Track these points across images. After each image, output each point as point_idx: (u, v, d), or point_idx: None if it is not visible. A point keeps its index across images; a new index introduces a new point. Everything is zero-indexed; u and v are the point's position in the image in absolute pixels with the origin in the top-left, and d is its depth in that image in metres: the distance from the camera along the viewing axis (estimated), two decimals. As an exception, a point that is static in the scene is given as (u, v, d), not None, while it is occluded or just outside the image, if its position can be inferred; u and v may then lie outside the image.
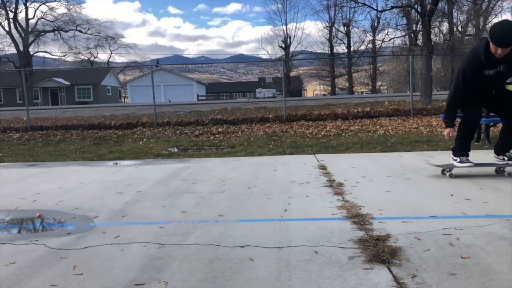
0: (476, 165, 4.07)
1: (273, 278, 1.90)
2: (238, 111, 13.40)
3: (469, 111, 3.91)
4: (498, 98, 3.91)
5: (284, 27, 79.85)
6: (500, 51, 3.45)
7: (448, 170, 4.01)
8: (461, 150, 4.03)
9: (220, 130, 9.51)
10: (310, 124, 9.90)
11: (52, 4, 37.65)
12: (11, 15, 35.06)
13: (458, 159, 4.01)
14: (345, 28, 44.89)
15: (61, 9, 59.97)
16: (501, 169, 3.98)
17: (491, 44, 3.47)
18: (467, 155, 4.02)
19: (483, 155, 5.11)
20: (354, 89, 47.81)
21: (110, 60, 54.53)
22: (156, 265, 2.09)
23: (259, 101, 21.93)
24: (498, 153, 4.04)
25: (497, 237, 2.30)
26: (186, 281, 1.90)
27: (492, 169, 4.12)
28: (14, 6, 35.09)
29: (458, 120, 4.05)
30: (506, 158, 3.98)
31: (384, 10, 17.09)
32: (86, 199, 3.54)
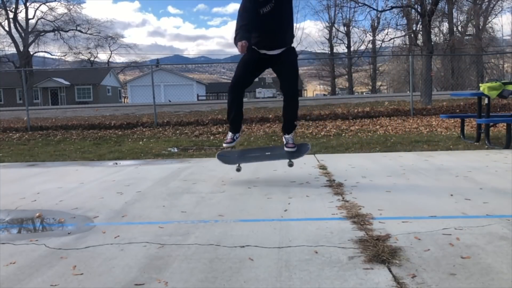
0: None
1: (273, 278, 1.90)
2: (238, 111, 13.36)
3: (237, 72, 3.86)
4: (283, 63, 3.80)
5: (284, 27, 79.55)
6: None
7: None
8: (230, 122, 3.99)
9: (220, 130, 9.51)
10: (310, 124, 9.90)
11: (52, 4, 37.67)
12: (11, 15, 35.07)
13: (229, 137, 3.96)
14: (345, 28, 44.94)
15: (61, 9, 60.02)
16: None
17: None
18: (234, 132, 3.96)
19: (483, 155, 5.11)
20: (354, 89, 47.83)
21: (110, 60, 54.57)
22: (156, 265, 2.09)
23: (259, 101, 21.92)
24: (285, 132, 4.04)
25: (497, 237, 2.30)
26: (186, 281, 1.90)
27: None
28: (14, 6, 35.10)
29: None
30: (284, 141, 3.99)
31: (384, 10, 17.13)
32: (86, 199, 3.54)
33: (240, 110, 3.95)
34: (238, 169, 4.04)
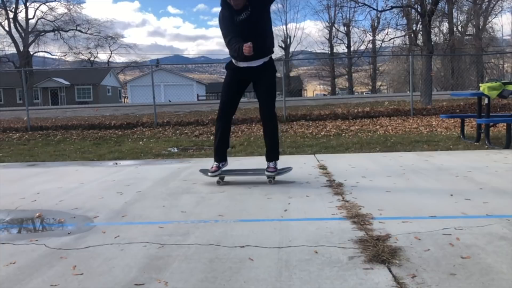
0: (244, 171, 4.15)
1: (273, 278, 1.90)
2: (238, 111, 13.37)
3: (222, 99, 3.91)
4: (261, 80, 3.81)
5: (284, 27, 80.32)
6: (232, 2, 3.53)
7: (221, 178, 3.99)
8: (215, 150, 3.98)
9: (220, 130, 9.51)
10: (310, 124, 9.90)
11: (52, 4, 37.73)
12: (11, 15, 35.10)
13: (214, 165, 3.94)
14: (345, 28, 45.03)
15: (61, 9, 60.08)
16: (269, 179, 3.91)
17: None
18: (219, 160, 3.93)
19: (483, 155, 5.11)
20: (354, 89, 47.83)
21: (110, 60, 54.55)
22: (156, 265, 2.09)
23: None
24: (267, 159, 3.99)
25: (497, 237, 2.30)
26: (186, 281, 1.90)
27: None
28: (14, 6, 35.12)
29: None
30: (266, 165, 3.93)
31: (384, 10, 17.12)
32: (86, 199, 3.54)
33: (226, 138, 3.97)
34: (218, 182, 3.96)
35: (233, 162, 5.28)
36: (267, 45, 3.77)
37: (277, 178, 4.10)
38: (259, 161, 5.32)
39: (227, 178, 4.10)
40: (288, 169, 4.04)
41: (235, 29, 3.65)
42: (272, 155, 3.93)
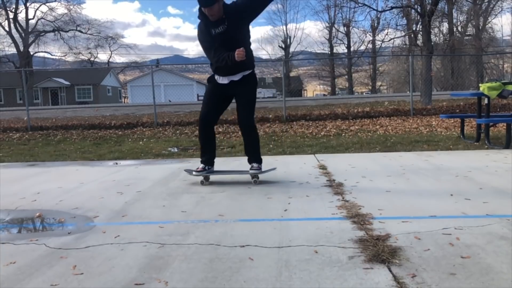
0: (229, 172, 4.24)
1: (273, 277, 1.90)
2: (238, 111, 13.36)
3: (202, 110, 3.94)
4: (241, 92, 3.84)
5: (284, 27, 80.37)
6: (207, 11, 3.54)
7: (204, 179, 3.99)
8: (201, 155, 4.04)
9: (220, 130, 9.51)
10: (310, 124, 9.90)
11: (52, 4, 37.66)
12: (11, 15, 35.10)
13: (200, 166, 3.98)
14: (345, 28, 45.03)
15: (61, 9, 60.14)
16: (254, 178, 3.94)
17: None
18: (206, 163, 3.97)
19: (483, 155, 5.11)
20: (354, 89, 47.84)
21: (110, 60, 54.48)
22: (156, 264, 2.09)
23: (258, 101, 21.86)
24: (249, 163, 4.03)
25: (497, 237, 2.30)
26: (186, 281, 1.91)
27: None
28: (14, 6, 35.12)
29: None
30: (250, 165, 3.98)
31: (384, 11, 17.12)
32: (86, 199, 3.54)
33: (212, 146, 4.02)
34: (202, 182, 3.96)
35: (233, 162, 5.29)
36: (245, 61, 3.62)
37: (277, 178, 4.10)
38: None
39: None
40: (272, 169, 4.10)
41: (214, 42, 3.66)
42: (255, 160, 3.98)
